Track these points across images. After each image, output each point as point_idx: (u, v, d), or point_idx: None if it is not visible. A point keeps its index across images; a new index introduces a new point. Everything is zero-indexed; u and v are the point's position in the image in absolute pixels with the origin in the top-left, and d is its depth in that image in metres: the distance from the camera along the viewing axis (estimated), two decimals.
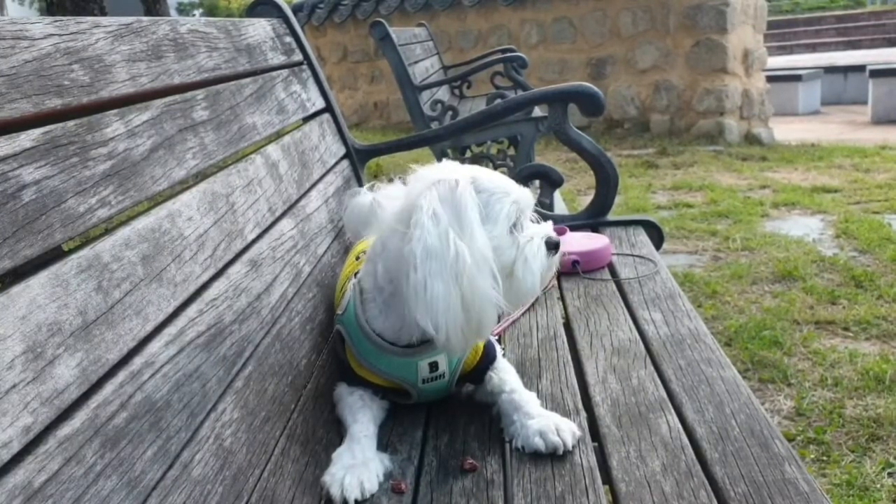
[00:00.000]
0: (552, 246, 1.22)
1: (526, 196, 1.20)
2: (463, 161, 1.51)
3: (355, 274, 1.29)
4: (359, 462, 1.06)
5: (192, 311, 0.97)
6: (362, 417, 1.17)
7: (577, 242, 1.90)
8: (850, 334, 2.90)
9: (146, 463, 0.79)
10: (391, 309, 1.19)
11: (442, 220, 1.08)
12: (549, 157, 6.50)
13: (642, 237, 2.06)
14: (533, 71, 7.13)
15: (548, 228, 1.23)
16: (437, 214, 1.09)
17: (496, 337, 1.45)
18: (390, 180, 1.33)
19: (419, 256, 1.07)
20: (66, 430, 0.71)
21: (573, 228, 2.06)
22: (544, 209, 2.17)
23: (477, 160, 3.54)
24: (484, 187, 1.16)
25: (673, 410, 1.15)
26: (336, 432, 1.19)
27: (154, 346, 0.87)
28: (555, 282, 1.78)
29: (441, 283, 1.06)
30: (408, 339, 1.19)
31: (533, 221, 1.22)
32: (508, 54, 5.66)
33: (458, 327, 1.08)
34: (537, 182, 2.34)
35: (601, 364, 1.34)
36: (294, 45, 1.98)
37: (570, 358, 1.39)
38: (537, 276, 1.18)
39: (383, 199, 1.27)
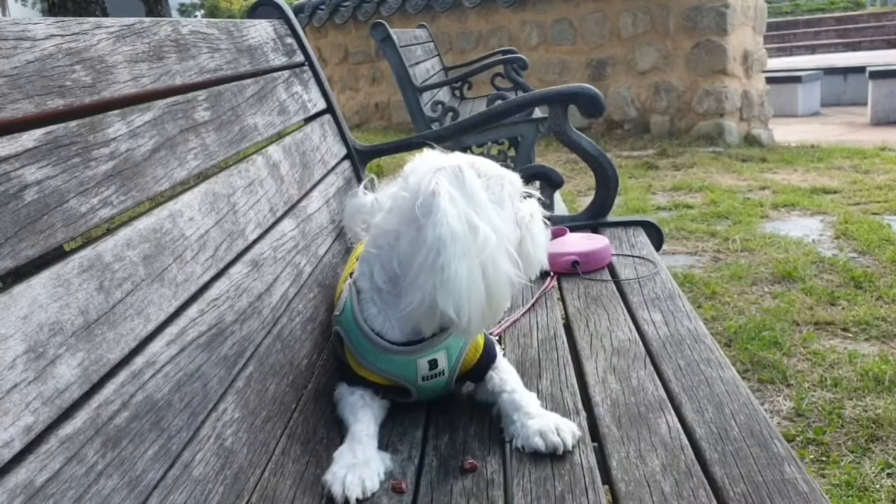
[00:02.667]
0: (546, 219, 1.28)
1: (516, 177, 1.24)
2: None
3: (351, 274, 1.29)
4: (360, 461, 1.07)
5: (193, 310, 0.98)
6: (363, 417, 1.17)
7: (577, 243, 1.90)
8: (850, 335, 2.91)
9: (147, 462, 0.79)
10: (391, 308, 1.19)
11: (460, 203, 1.10)
12: (550, 158, 6.51)
13: (642, 238, 2.07)
14: (533, 72, 7.14)
15: (536, 204, 1.26)
16: (454, 198, 1.10)
17: (496, 337, 1.45)
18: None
19: (442, 240, 1.07)
20: (67, 429, 0.71)
21: (573, 229, 2.06)
22: (544, 210, 2.17)
23: None
24: (483, 172, 1.18)
25: (672, 410, 1.16)
26: (337, 432, 1.20)
27: (155, 345, 0.87)
28: (554, 282, 1.78)
29: (464, 266, 1.07)
30: (411, 336, 1.19)
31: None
32: (509, 55, 5.67)
33: (480, 309, 1.09)
34: (538, 183, 2.34)
35: (601, 364, 1.34)
36: (295, 46, 1.98)
37: (569, 358, 1.40)
38: (543, 249, 1.23)
39: (384, 199, 1.28)
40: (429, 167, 1.15)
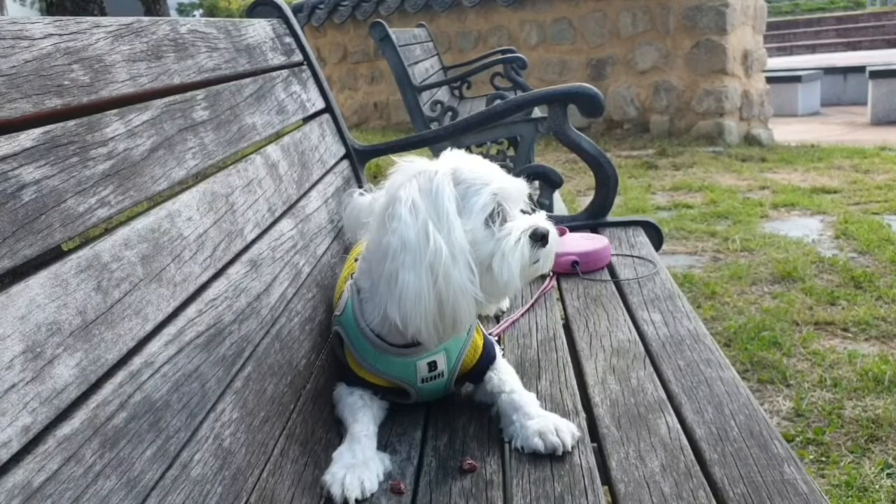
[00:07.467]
0: (539, 238, 1.18)
1: (511, 187, 1.18)
2: None
3: (352, 275, 1.29)
4: (359, 461, 1.06)
5: (191, 311, 0.97)
6: (363, 417, 1.17)
7: (577, 243, 1.90)
8: (850, 335, 2.90)
9: (145, 463, 0.79)
10: (380, 306, 1.18)
11: (421, 212, 1.09)
12: (549, 157, 6.51)
13: (642, 238, 2.06)
14: (533, 72, 7.14)
15: (537, 220, 1.19)
16: (416, 206, 1.09)
17: (496, 337, 1.45)
18: None
19: (394, 248, 1.08)
20: (65, 429, 0.71)
21: (573, 229, 2.06)
22: (544, 210, 2.17)
23: None
24: (463, 178, 1.15)
25: (672, 411, 1.15)
26: (335, 432, 1.20)
27: (153, 346, 0.87)
28: (554, 283, 1.78)
29: (413, 275, 1.06)
30: (402, 338, 1.19)
31: (526, 212, 1.20)
32: (508, 55, 5.67)
33: (430, 320, 1.08)
34: (537, 182, 2.34)
35: (600, 365, 1.34)
36: (294, 45, 1.98)
37: (569, 359, 1.39)
38: (515, 270, 1.14)
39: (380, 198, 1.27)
40: (411, 170, 1.15)
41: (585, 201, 2.76)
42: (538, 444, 1.08)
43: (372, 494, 1.03)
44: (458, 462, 1.09)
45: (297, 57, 1.97)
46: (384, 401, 1.24)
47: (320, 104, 2.02)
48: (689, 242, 4.18)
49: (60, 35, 0.91)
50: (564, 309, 1.64)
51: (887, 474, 2.03)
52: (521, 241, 1.15)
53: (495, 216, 1.15)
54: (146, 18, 1.16)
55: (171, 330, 0.91)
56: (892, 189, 5.07)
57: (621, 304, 1.61)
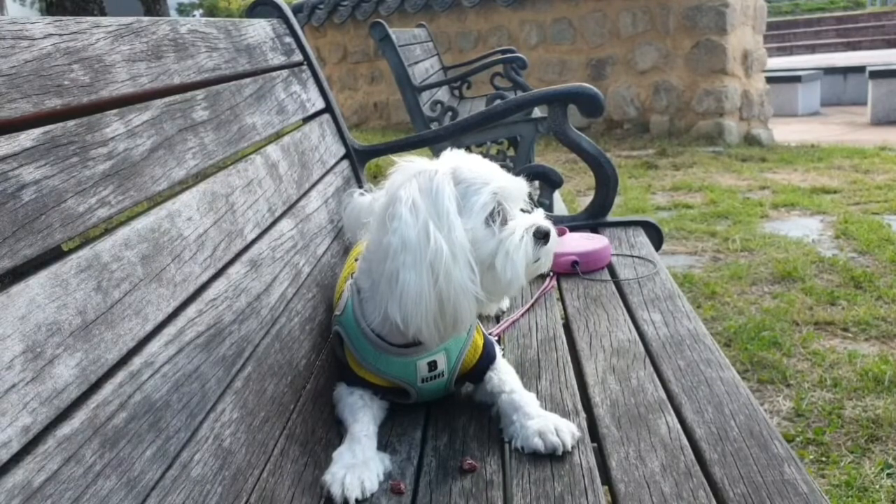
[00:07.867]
0: (541, 235, 1.19)
1: (511, 186, 1.18)
2: None
3: (352, 274, 1.29)
4: (359, 461, 1.06)
5: (191, 311, 0.97)
6: (363, 417, 1.17)
7: (577, 243, 1.90)
8: (850, 335, 2.90)
9: (145, 463, 0.79)
10: (381, 306, 1.19)
11: (421, 212, 1.09)
12: (549, 157, 6.51)
13: (642, 238, 2.06)
14: (532, 72, 7.14)
15: (537, 218, 1.20)
16: (416, 206, 1.09)
17: (496, 337, 1.45)
18: None
19: (395, 247, 1.08)
20: (65, 429, 0.71)
21: (573, 229, 2.06)
22: (544, 210, 2.17)
23: None
24: (462, 178, 1.15)
25: (672, 411, 1.15)
26: (335, 432, 1.20)
27: (153, 346, 0.87)
28: (554, 282, 1.78)
29: (413, 275, 1.07)
30: (402, 338, 1.19)
31: (526, 211, 1.21)
32: (508, 55, 5.67)
33: (431, 320, 1.08)
34: (537, 183, 2.34)
35: (600, 365, 1.34)
36: (294, 45, 1.98)
37: (569, 358, 1.39)
38: (519, 268, 1.15)
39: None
40: (410, 170, 1.15)
41: (585, 201, 2.76)
42: (538, 444, 1.08)
43: (372, 494, 1.03)
44: (458, 462, 1.09)
45: (297, 57, 1.97)
46: (384, 401, 1.24)
47: (320, 104, 2.02)
48: (689, 242, 4.18)
49: (60, 35, 0.91)
50: (564, 309, 1.64)
51: (887, 474, 2.03)
52: (524, 239, 1.16)
53: (495, 215, 1.16)
54: (146, 18, 1.16)
55: (171, 330, 0.91)
56: (892, 189, 5.07)
57: (621, 304, 1.61)
